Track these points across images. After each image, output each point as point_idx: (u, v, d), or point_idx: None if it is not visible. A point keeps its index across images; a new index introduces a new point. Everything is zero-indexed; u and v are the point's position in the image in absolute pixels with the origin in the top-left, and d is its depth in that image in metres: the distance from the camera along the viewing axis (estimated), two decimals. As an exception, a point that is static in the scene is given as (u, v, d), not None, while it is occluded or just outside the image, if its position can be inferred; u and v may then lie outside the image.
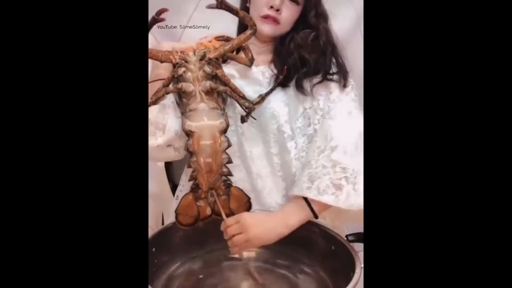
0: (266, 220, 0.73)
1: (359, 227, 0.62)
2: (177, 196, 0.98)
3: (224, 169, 0.71)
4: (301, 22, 0.82)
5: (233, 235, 0.72)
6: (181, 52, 0.69)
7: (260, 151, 0.83)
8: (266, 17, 0.80)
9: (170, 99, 0.78)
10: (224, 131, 0.69)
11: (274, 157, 0.82)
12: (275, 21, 0.80)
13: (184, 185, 0.90)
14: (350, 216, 0.77)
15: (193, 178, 0.71)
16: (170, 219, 0.81)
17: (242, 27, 0.85)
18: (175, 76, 0.68)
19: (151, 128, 0.75)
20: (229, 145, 0.70)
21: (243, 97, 0.72)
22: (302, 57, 0.79)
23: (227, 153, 0.70)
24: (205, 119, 0.68)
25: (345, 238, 0.73)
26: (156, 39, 1.19)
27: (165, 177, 1.15)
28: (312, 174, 0.72)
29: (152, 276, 0.71)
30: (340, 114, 0.77)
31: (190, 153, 0.69)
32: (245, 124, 0.80)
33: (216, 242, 0.77)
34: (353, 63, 0.82)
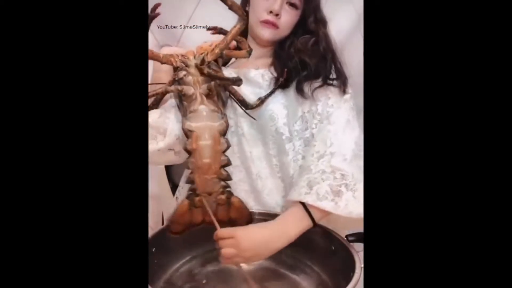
0: (263, 237, 0.68)
1: (359, 227, 0.62)
2: (176, 196, 0.98)
3: (223, 172, 0.70)
4: (300, 27, 0.82)
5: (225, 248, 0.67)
6: (182, 55, 0.69)
7: (259, 152, 0.83)
8: (265, 22, 0.80)
9: (171, 103, 0.78)
10: (223, 133, 0.69)
11: (273, 158, 0.82)
12: (274, 25, 0.80)
13: (183, 187, 0.90)
14: (348, 224, 0.76)
15: (190, 180, 0.70)
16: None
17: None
18: (176, 79, 0.69)
19: (152, 132, 0.75)
20: (228, 147, 0.70)
21: (243, 100, 0.72)
22: (303, 61, 0.79)
23: (226, 155, 0.70)
24: (205, 120, 0.68)
25: (345, 238, 0.73)
26: (156, 39, 1.20)
27: (165, 177, 1.16)
28: (311, 180, 0.71)
29: (152, 276, 0.71)
30: (339, 121, 0.77)
31: (189, 152, 0.69)
32: (245, 125, 0.81)
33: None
34: (351, 69, 0.82)
